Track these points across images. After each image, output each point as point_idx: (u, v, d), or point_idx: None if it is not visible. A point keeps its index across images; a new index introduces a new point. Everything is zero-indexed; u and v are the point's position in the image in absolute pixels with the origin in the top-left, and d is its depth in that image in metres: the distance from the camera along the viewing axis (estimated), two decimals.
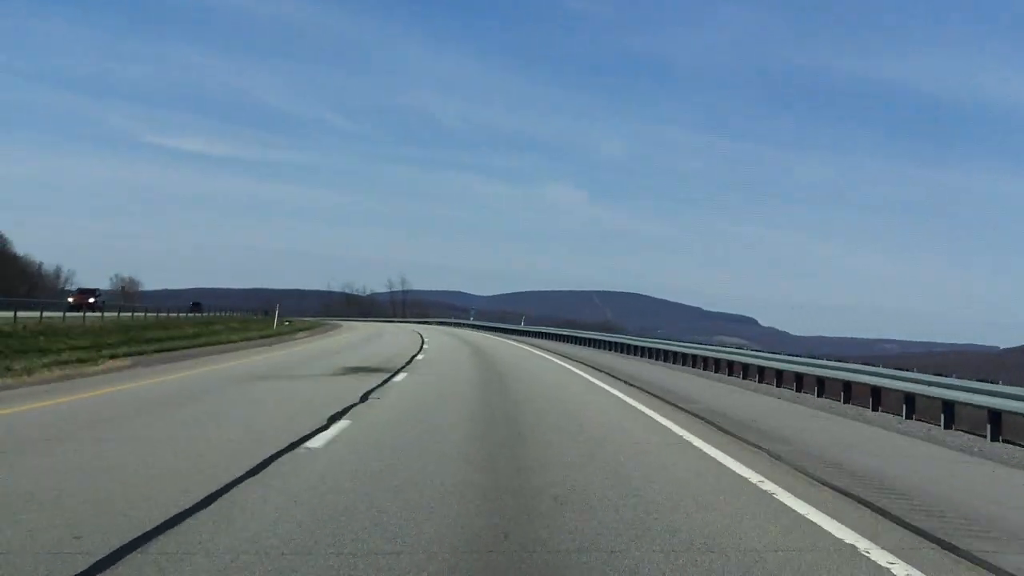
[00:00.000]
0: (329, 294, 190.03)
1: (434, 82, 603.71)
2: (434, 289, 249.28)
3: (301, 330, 59.75)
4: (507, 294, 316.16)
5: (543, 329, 65.87)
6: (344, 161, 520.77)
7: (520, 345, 45.49)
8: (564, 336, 56.61)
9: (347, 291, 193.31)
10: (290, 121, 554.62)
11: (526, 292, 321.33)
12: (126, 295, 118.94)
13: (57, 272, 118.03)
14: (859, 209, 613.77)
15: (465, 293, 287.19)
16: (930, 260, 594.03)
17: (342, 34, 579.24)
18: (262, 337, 42.65)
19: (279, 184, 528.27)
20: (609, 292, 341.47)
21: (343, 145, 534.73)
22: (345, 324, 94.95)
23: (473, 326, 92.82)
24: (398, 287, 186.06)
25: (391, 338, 47.96)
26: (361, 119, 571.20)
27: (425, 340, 43.92)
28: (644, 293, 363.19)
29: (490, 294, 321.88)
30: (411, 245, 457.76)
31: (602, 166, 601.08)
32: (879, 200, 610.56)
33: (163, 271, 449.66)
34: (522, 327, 71.93)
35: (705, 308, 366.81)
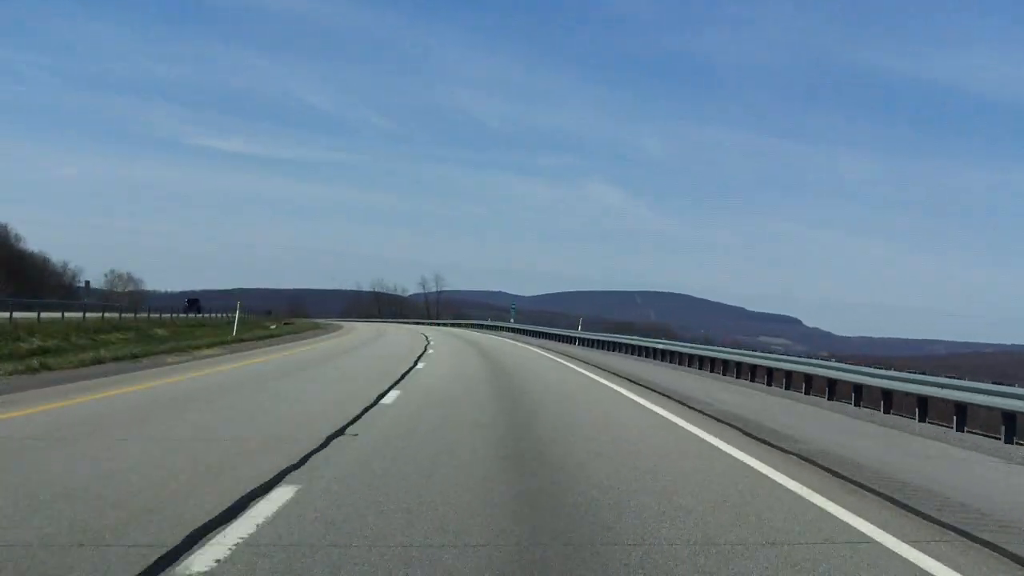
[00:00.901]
0: (358, 294, 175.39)
1: (474, 82, 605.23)
2: (475, 289, 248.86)
3: (268, 337, 45.21)
4: (549, 294, 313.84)
5: (617, 338, 43.62)
6: (383, 161, 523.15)
7: (614, 386, 21.84)
8: (668, 352, 34.91)
9: (378, 290, 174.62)
10: (329, 121, 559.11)
11: (568, 292, 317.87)
12: (91, 293, 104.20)
13: (63, 268, 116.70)
14: (905, 208, 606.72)
15: (506, 293, 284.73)
16: (979, 259, 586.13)
17: (380, 33, 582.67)
18: (170, 352, 29.23)
19: (316, 183, 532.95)
20: (651, 292, 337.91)
21: (382, 144, 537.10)
22: (349, 326, 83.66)
23: (515, 330, 71.65)
24: (432, 286, 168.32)
25: (358, 361, 29.02)
26: (400, 118, 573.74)
27: (416, 365, 26.43)
28: (686, 293, 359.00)
29: (532, 294, 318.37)
30: (450, 245, 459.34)
31: (642, 165, 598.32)
32: (925, 199, 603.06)
33: (200, 271, 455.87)
34: (580, 333, 52.39)
35: (748, 308, 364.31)
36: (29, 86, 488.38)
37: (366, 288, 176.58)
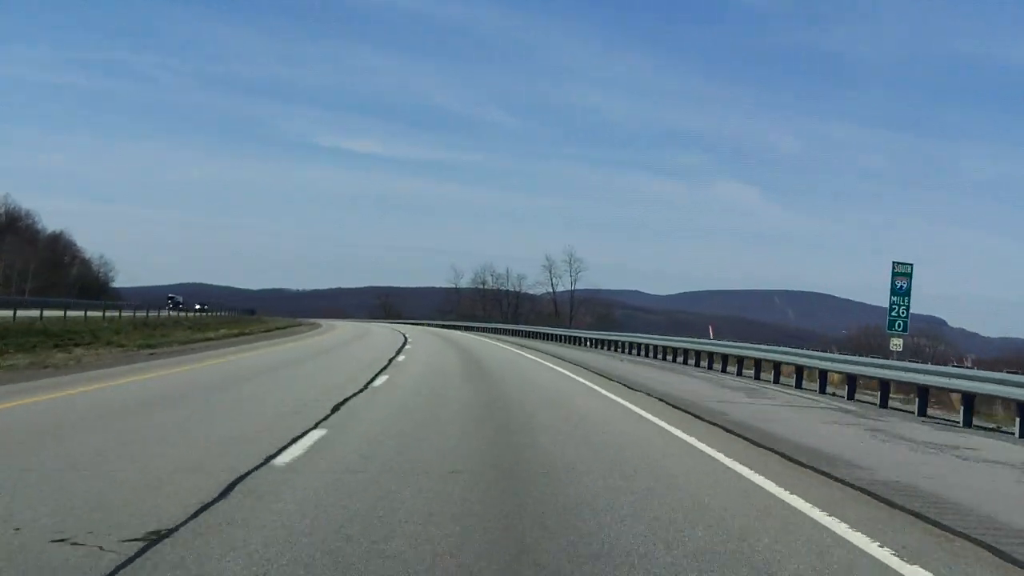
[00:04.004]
0: (458, 291, 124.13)
1: (602, 80, 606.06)
2: (605, 288, 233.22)
3: None
4: (683, 293, 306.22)
5: None
6: (511, 160, 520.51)
7: None
8: None
9: (484, 285, 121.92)
10: (458, 121, 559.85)
11: (703, 291, 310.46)
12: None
13: (100, 262, 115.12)
14: None
15: (641, 292, 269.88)
16: None
17: (510, 33, 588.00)
18: None
19: (443, 182, 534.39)
20: (791, 292, 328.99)
21: (511, 144, 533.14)
22: (328, 326, 69.26)
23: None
24: (563, 275, 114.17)
25: None
26: (529, 118, 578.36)
27: None
28: (827, 292, 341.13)
29: (666, 293, 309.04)
30: (579, 244, 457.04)
31: (775, 163, 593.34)
32: None
33: (313, 271, 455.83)
34: None
35: None
36: (161, 88, 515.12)
37: (465, 283, 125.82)
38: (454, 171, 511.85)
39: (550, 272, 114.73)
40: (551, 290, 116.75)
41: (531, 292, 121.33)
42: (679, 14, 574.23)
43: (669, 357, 36.19)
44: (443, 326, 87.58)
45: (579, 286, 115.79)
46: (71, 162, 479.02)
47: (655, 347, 38.95)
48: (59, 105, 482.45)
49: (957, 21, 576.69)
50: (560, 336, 58.28)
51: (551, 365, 28.44)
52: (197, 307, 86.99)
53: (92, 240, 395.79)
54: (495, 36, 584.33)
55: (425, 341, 44.89)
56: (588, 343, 50.64)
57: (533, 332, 65.15)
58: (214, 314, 79.70)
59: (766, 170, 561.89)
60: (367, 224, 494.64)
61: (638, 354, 40.17)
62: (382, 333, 56.88)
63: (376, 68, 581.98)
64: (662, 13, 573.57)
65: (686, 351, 34.63)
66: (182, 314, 67.85)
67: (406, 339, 44.68)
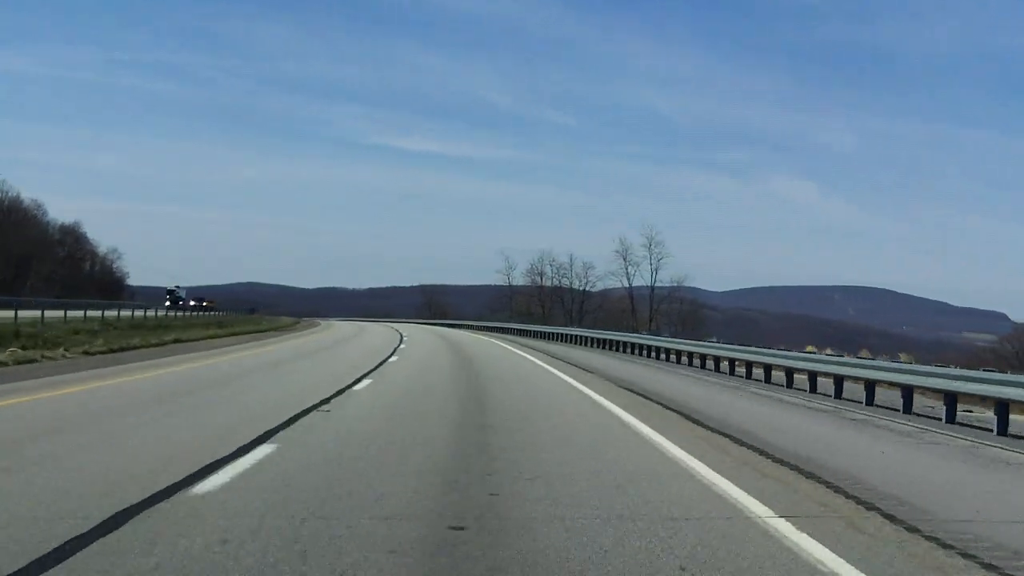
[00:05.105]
0: (510, 288, 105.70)
1: (654, 77, 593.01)
2: (664, 284, 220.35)
3: None
4: (741, 290, 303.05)
5: None
6: (562, 157, 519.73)
7: None
8: None
9: (541, 280, 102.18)
10: (508, 119, 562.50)
11: (761, 288, 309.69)
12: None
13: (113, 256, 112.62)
14: None
15: (698, 288, 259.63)
16: None
17: (559, 30, 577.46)
18: None
19: (497, 180, 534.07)
20: (850, 287, 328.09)
21: (561, 141, 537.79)
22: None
23: None
24: (641, 271, 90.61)
25: None
26: (580, 115, 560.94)
27: None
28: (887, 288, 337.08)
29: (723, 290, 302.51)
30: (636, 241, 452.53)
31: (832, 159, 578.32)
32: None
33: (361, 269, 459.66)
34: None
35: (951, 303, 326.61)
36: (212, 88, 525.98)
37: (518, 276, 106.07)
38: (506, 168, 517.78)
39: (624, 259, 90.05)
40: (627, 283, 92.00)
41: (591, 290, 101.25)
42: (735, 10, 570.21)
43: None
44: (485, 328, 73.83)
45: (659, 281, 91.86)
46: (121, 163, 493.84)
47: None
48: (110, 106, 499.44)
49: (1005, 16, 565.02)
50: (666, 352, 34.88)
51: None
52: (192, 303, 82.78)
53: (135, 241, 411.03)
54: (544, 34, 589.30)
55: (418, 359, 29.67)
56: (692, 362, 30.46)
57: (615, 341, 43.30)
58: (211, 314, 73.69)
59: (824, 165, 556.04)
60: (421, 222, 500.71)
61: (781, 385, 22.64)
62: (371, 340, 43.37)
63: (425, 66, 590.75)
64: (712, 8, 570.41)
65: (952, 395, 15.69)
66: (175, 314, 61.23)
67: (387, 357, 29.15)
